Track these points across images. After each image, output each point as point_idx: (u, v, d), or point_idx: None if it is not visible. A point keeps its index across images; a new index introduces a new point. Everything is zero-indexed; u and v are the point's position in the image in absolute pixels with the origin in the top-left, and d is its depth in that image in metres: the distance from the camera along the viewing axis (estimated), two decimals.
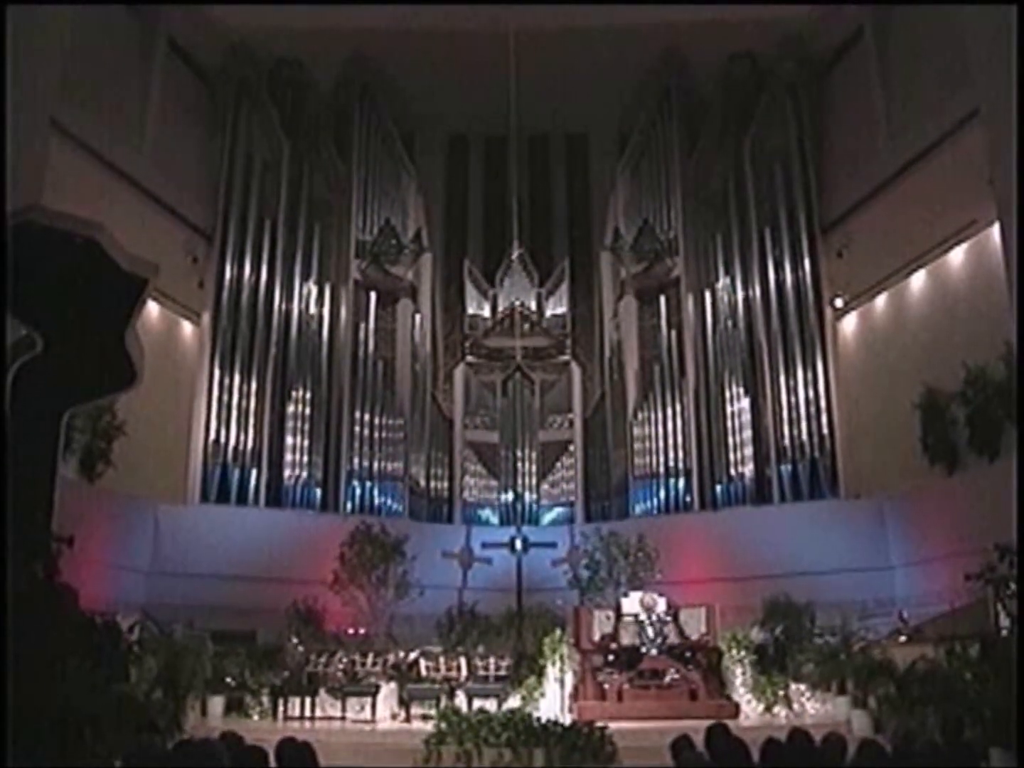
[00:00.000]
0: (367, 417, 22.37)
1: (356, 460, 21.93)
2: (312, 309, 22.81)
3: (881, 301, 20.52)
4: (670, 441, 22.42)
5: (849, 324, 21.46)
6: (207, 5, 21.26)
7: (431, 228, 25.32)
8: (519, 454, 23.97)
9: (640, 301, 24.18)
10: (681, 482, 22.07)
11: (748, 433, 21.65)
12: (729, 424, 21.96)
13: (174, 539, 18.90)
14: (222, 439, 20.72)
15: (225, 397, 21.04)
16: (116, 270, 11.39)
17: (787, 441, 21.05)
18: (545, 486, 24.04)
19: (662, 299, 23.88)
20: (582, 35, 22.48)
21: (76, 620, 8.89)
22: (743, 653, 15.81)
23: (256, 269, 22.16)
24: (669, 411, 22.68)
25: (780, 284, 22.10)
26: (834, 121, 22.38)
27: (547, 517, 23.82)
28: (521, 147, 25.69)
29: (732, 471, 21.63)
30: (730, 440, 21.85)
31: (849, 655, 14.61)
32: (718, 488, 21.78)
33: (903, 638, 15.02)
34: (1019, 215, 15.44)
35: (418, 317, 24.23)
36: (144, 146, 20.12)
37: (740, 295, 22.72)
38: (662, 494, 22.11)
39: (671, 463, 22.24)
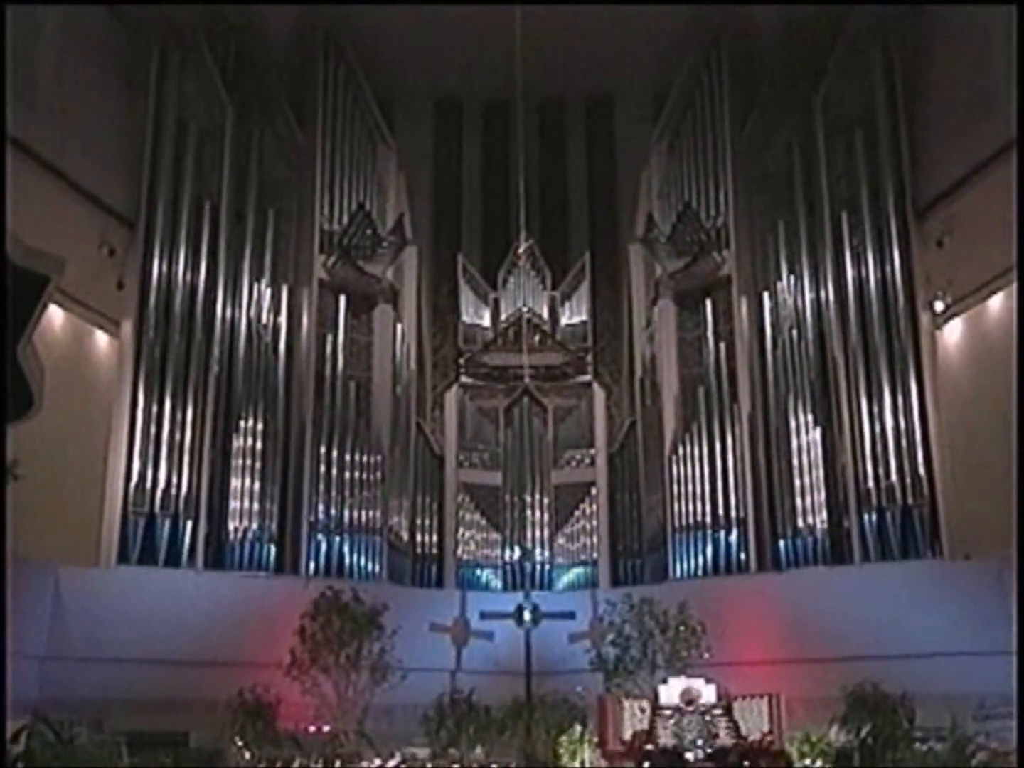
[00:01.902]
0: (335, 454, 22.29)
1: (321, 508, 21.83)
2: (265, 317, 22.63)
3: (996, 303, 20.16)
4: (719, 483, 22.27)
5: (952, 333, 21.17)
6: None
7: (416, 215, 25.15)
8: (527, 500, 23.93)
9: (680, 306, 24.02)
10: (733, 535, 21.88)
11: (820, 473, 21.37)
12: (795, 461, 21.70)
13: (81, 613, 18.47)
14: (147, 482, 20.31)
15: (152, 428, 20.64)
16: (7, 265, 11.20)
17: (871, 483, 20.73)
18: (560, 540, 23.97)
19: (708, 303, 23.73)
20: None
21: None
22: (819, 761, 15.60)
23: (193, 266, 21.83)
24: (717, 445, 22.50)
25: (861, 283, 21.81)
26: (935, 71, 21.94)
27: (563, 580, 23.76)
28: (529, 113, 25.70)
29: (799, 522, 21.32)
30: (796, 482, 21.58)
31: None
32: (781, 543, 21.54)
33: None
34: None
35: (400, 327, 24.11)
36: (40, 103, 19.58)
37: (808, 297, 22.44)
38: (709, 551, 21.92)
39: (720, 511, 22.06)
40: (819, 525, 21.04)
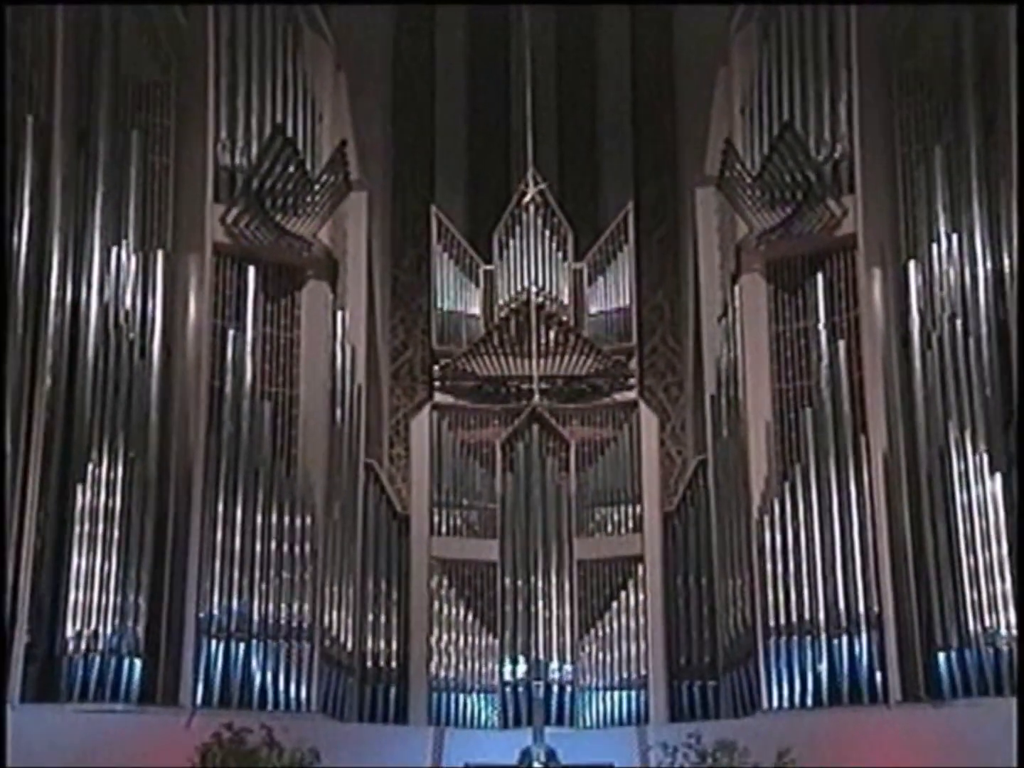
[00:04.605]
0: (239, 513, 20.87)
1: (216, 599, 20.38)
2: (129, 300, 21.27)
3: None
4: (838, 560, 20.72)
5: None
6: None
7: (365, 142, 24.01)
8: (539, 584, 22.56)
9: (776, 284, 22.78)
10: (863, 644, 20.19)
11: (1003, 548, 19.56)
12: (961, 528, 19.88)
13: None
14: None
15: None
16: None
17: None
18: (590, 648, 22.63)
19: (819, 279, 22.30)
20: None
21: None
22: None
23: (13, 219, 20.28)
24: (835, 500, 20.93)
25: None
26: None
27: (594, 711, 22.39)
28: None
29: (971, 624, 19.46)
30: (964, 560, 19.71)
31: None
32: (941, 658, 19.67)
33: None
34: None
35: (341, 316, 22.87)
36: None
37: (983, 268, 20.82)
38: (823, 667, 20.29)
39: (842, 605, 20.42)
40: (1003, 631, 19.11)
